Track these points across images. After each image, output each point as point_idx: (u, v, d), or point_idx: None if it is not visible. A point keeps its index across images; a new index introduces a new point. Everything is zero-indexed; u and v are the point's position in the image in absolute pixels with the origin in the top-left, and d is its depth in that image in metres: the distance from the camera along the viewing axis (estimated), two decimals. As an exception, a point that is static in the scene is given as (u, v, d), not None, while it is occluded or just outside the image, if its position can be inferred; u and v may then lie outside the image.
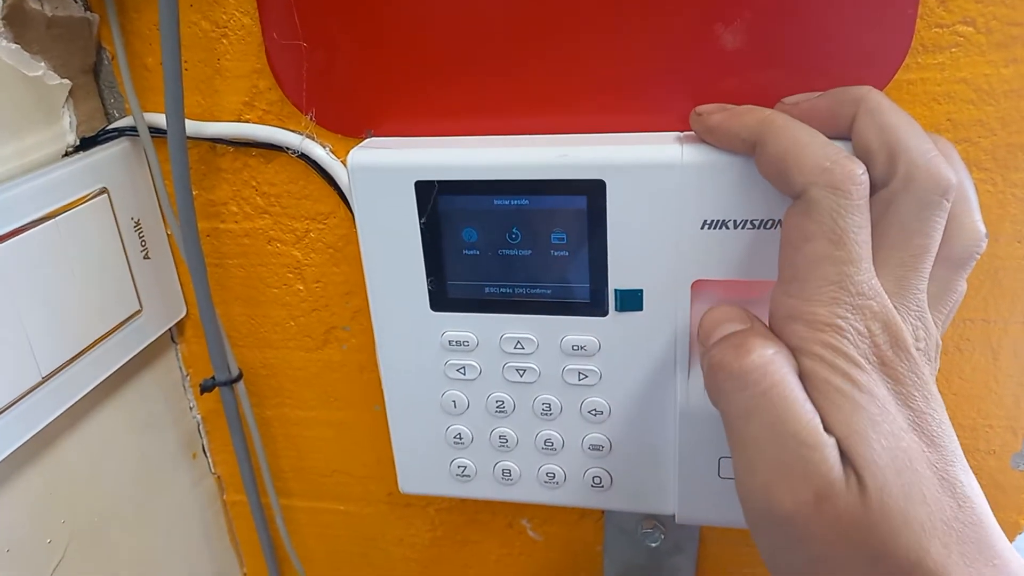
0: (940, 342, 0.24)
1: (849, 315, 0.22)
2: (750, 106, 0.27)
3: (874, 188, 0.24)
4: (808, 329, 0.23)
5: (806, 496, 0.22)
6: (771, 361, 0.23)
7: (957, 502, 0.21)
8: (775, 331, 0.24)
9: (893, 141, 0.24)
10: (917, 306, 0.23)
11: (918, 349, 0.23)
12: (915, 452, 0.22)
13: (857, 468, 0.22)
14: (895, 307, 0.23)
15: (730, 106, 0.28)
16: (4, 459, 0.31)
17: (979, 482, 0.22)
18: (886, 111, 0.24)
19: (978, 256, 0.24)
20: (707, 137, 0.28)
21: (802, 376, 0.23)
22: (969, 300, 0.25)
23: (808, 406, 0.23)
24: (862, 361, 0.22)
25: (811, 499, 0.22)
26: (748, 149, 0.26)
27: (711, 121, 0.27)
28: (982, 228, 0.24)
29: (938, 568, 0.21)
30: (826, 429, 0.22)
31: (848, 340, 0.22)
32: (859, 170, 0.23)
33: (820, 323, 0.23)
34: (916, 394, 0.22)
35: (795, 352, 0.23)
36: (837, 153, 0.23)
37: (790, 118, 0.25)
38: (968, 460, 0.34)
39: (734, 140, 0.27)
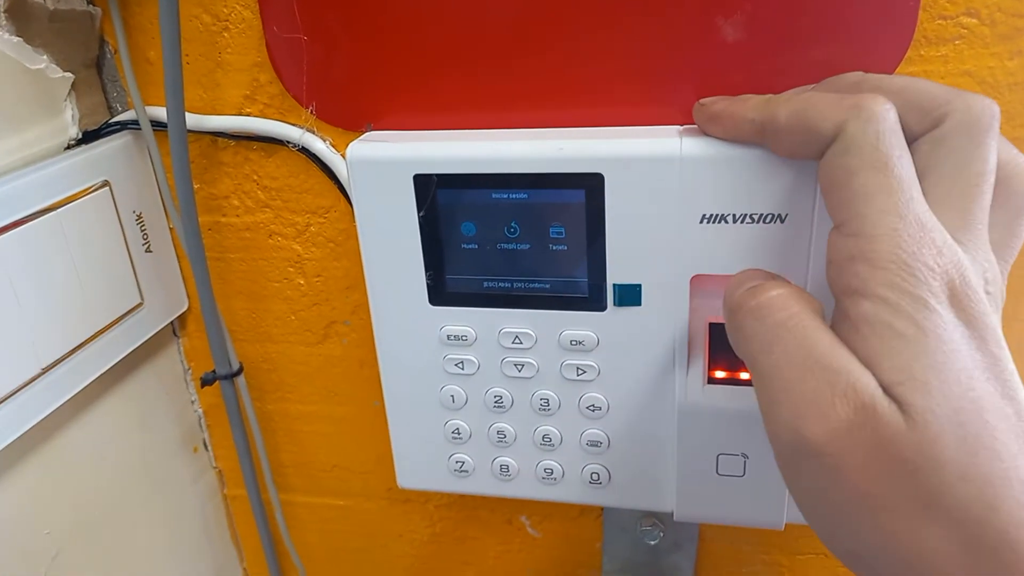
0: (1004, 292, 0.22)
1: (914, 249, 0.20)
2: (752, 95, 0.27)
3: (914, 138, 0.23)
4: (870, 268, 0.21)
5: (835, 423, 0.20)
6: (788, 295, 0.23)
7: None
8: (834, 278, 0.23)
9: (918, 95, 0.23)
10: (983, 245, 0.21)
11: (988, 293, 0.20)
12: (988, 402, 0.20)
13: (910, 415, 0.20)
14: (960, 242, 0.21)
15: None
16: (4, 448, 0.32)
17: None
18: (892, 77, 0.24)
19: None
20: (712, 125, 0.27)
21: (863, 321, 0.21)
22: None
23: (829, 333, 0.22)
24: (931, 301, 0.20)
25: (843, 426, 0.20)
26: (755, 132, 0.26)
27: (715, 108, 0.27)
28: None
29: (1009, 528, 0.19)
30: (879, 375, 0.20)
31: (917, 278, 0.20)
32: (883, 100, 0.22)
33: (883, 260, 0.20)
34: (989, 339, 0.20)
35: (857, 295, 0.21)
36: (855, 95, 0.22)
37: None
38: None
39: (741, 123, 0.26)
